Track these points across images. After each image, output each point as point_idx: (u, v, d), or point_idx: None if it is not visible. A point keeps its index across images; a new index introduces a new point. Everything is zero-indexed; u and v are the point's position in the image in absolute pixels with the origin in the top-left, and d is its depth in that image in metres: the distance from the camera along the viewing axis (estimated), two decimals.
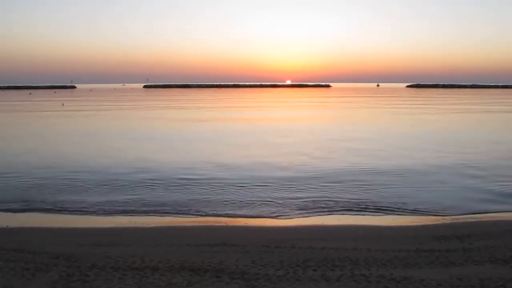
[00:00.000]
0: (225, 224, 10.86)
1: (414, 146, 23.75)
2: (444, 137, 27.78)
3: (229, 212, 11.81)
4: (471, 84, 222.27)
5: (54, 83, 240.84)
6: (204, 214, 11.64)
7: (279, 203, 12.53)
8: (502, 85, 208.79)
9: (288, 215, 11.58)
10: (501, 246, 8.40)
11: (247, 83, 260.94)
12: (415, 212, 11.80)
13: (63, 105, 68.96)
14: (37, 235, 9.74)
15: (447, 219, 11.17)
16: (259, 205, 12.41)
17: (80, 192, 13.79)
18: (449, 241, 8.85)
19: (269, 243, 8.66)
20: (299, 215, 11.55)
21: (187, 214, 11.68)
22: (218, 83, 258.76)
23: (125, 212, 11.81)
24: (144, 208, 12.12)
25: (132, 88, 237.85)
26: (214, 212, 11.80)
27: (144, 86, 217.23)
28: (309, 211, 11.85)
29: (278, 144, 24.59)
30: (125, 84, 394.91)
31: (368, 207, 12.18)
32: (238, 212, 11.79)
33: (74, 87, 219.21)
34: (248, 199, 12.91)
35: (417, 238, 9.15)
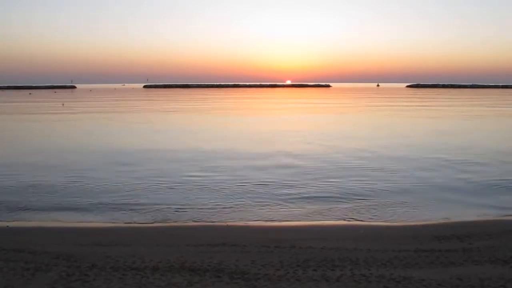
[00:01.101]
0: (225, 224, 10.85)
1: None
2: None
3: (229, 211, 11.82)
4: (471, 84, 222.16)
5: (54, 83, 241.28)
6: (204, 214, 11.66)
7: (279, 203, 12.54)
8: (502, 85, 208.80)
9: (288, 215, 11.58)
10: (501, 246, 8.39)
11: (247, 83, 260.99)
12: (414, 211, 11.81)
13: (63, 105, 69.02)
14: (37, 235, 9.74)
15: (447, 219, 11.17)
16: (260, 204, 12.42)
17: (80, 192, 13.81)
18: (449, 241, 8.84)
19: (269, 243, 8.66)
20: (299, 215, 11.55)
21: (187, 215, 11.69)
22: (218, 83, 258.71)
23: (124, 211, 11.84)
24: (145, 208, 12.13)
25: (133, 88, 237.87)
26: (214, 212, 11.80)
27: (144, 86, 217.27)
28: (309, 211, 11.85)
29: (284, 148, 24.58)
30: (125, 84, 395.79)
31: (369, 207, 12.19)
32: (238, 212, 11.78)
33: (74, 87, 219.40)
34: (249, 199, 12.93)
35: (417, 238, 9.15)
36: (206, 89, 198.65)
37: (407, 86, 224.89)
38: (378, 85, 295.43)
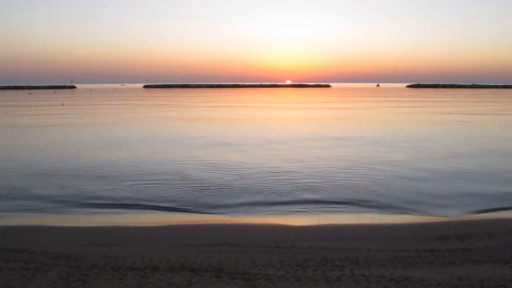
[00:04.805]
0: (225, 224, 10.85)
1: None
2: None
3: (229, 211, 11.82)
4: (471, 84, 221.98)
5: (54, 83, 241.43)
6: (204, 213, 11.66)
7: (278, 202, 12.53)
8: (502, 85, 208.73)
9: (289, 215, 11.58)
10: (501, 246, 8.39)
11: (247, 83, 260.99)
12: (415, 211, 11.81)
13: (63, 105, 69.06)
14: (37, 235, 9.73)
15: (447, 219, 11.17)
16: (259, 204, 12.42)
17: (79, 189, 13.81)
18: (449, 241, 8.84)
19: (269, 243, 8.65)
20: (300, 215, 11.55)
21: (187, 212, 11.69)
22: (218, 83, 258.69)
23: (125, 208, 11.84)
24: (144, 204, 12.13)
25: (132, 88, 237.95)
26: (214, 211, 11.81)
27: (144, 86, 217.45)
28: (310, 211, 11.85)
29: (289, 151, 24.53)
30: (124, 84, 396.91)
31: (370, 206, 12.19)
32: (238, 212, 11.79)
33: (74, 87, 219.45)
34: (249, 199, 12.93)
35: (417, 238, 9.14)
36: (206, 89, 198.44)
37: (407, 86, 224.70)
38: (378, 85, 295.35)
